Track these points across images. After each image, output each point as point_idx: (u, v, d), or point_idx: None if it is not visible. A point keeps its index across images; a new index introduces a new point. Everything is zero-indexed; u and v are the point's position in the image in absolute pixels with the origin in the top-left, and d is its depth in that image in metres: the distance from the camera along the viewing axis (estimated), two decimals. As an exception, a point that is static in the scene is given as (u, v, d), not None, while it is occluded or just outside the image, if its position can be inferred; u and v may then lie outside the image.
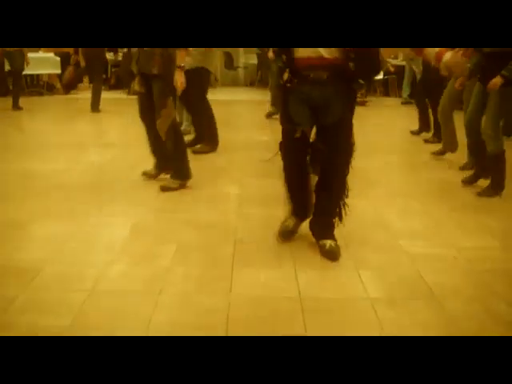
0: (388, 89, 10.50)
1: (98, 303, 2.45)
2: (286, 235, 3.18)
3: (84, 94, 10.00)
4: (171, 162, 4.25)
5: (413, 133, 6.66)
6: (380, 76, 8.95)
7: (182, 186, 4.22)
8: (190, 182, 4.27)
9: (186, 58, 4.41)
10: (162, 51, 3.95)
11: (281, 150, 3.10)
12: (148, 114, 4.17)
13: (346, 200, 3.11)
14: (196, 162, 5.12)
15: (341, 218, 3.12)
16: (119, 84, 10.39)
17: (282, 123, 3.04)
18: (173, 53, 4.03)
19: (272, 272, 2.79)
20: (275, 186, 4.25)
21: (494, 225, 3.56)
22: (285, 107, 2.99)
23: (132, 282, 2.66)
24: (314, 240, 3.14)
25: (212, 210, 3.78)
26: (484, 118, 4.16)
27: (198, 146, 5.53)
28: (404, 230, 3.44)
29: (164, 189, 4.17)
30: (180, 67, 4.11)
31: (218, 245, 3.14)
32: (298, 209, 3.19)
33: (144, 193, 4.14)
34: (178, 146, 4.17)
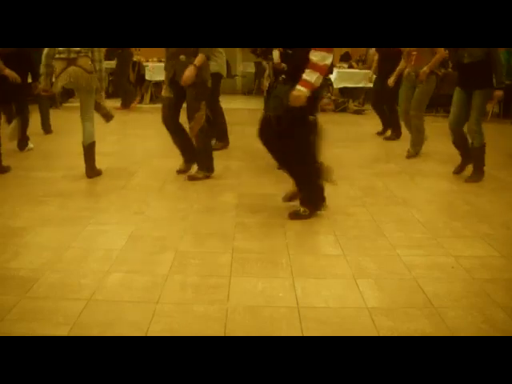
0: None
1: (95, 312, 2.44)
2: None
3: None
4: (198, 157, 4.74)
5: (379, 133, 7.36)
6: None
7: (207, 177, 4.73)
8: (187, 190, 4.28)
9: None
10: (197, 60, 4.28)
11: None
12: (173, 119, 4.58)
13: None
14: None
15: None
16: (116, 92, 10.35)
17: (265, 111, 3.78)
18: (206, 60, 4.41)
19: (269, 281, 2.79)
20: (273, 195, 4.27)
21: (492, 233, 3.56)
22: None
23: (130, 291, 2.65)
24: (311, 249, 3.22)
25: (210, 219, 3.78)
26: (470, 118, 4.76)
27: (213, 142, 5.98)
28: (402, 238, 3.44)
29: (191, 178, 4.71)
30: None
31: (215, 253, 3.14)
32: None
33: (141, 201, 4.14)
34: (206, 143, 4.69)
